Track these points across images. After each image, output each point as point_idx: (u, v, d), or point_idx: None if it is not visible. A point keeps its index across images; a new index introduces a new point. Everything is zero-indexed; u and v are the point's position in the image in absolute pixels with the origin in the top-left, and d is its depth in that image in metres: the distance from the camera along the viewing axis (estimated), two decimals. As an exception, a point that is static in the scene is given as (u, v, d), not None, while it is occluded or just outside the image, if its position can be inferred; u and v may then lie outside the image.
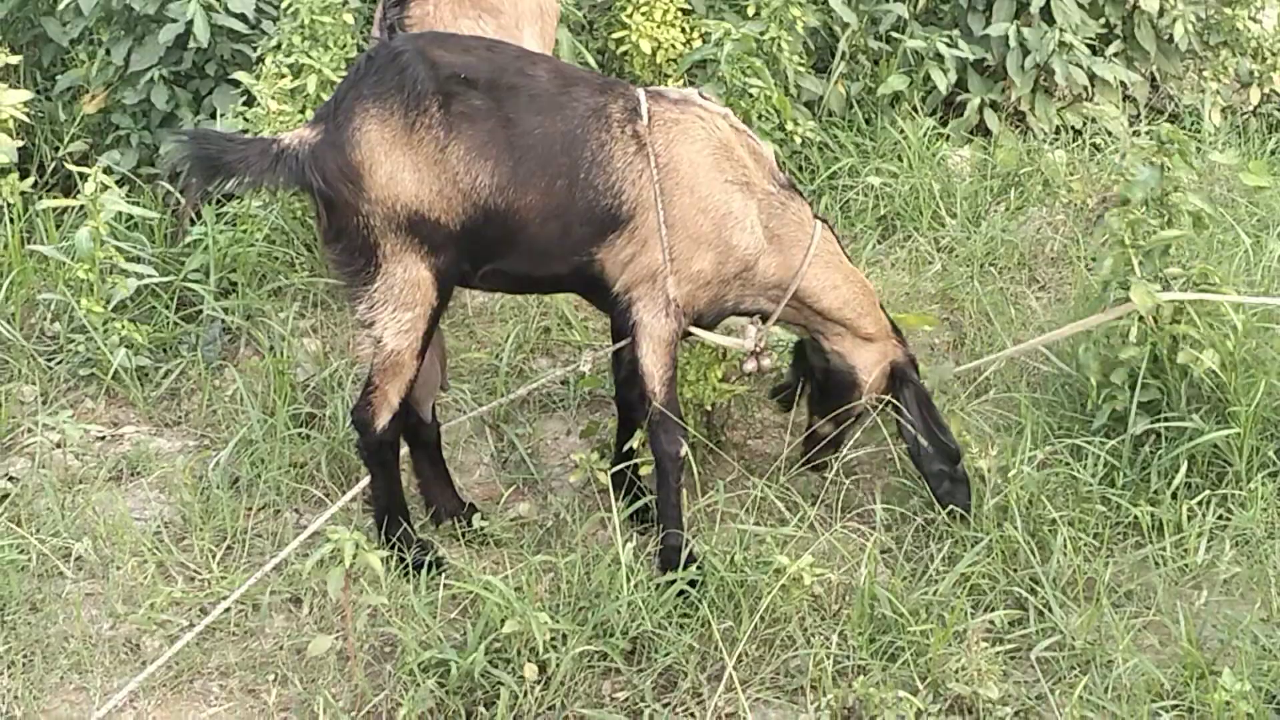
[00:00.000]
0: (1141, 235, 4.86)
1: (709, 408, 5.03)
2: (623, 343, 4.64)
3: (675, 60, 6.61)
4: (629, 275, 4.49)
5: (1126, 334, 4.80)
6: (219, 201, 5.98)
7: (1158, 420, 4.81)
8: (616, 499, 4.63)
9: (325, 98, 6.02)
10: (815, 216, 4.71)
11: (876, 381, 4.74)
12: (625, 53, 6.69)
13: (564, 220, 4.41)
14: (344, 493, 4.89)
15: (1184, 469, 4.66)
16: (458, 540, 4.73)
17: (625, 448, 4.78)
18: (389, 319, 4.39)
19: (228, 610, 4.43)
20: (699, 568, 4.38)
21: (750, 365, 4.77)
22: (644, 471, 4.75)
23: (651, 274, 4.49)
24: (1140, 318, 4.77)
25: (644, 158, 4.43)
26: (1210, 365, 4.71)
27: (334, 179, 4.28)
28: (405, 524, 4.56)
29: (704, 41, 6.47)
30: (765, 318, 4.72)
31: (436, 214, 4.33)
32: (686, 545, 4.50)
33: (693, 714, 4.09)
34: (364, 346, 4.49)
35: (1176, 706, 4.02)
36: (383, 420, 4.49)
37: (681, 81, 6.47)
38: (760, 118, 6.24)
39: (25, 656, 4.26)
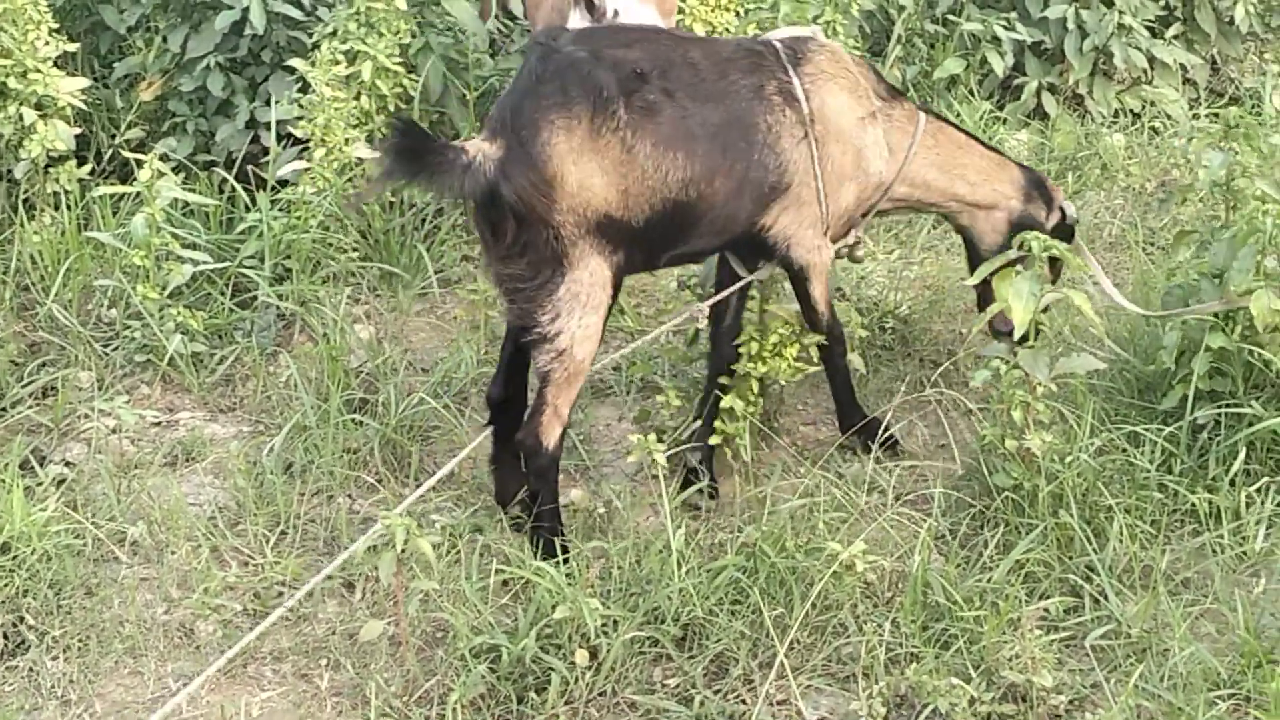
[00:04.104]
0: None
1: (783, 383, 5.01)
2: (731, 290, 4.83)
3: (729, 44, 6.57)
4: (788, 227, 4.65)
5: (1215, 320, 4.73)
6: (273, 188, 6.01)
7: (1219, 406, 4.75)
8: (706, 475, 4.79)
9: (380, 85, 6.06)
10: (919, 108, 4.92)
11: (1002, 242, 4.98)
12: (679, 37, 6.65)
13: (742, 200, 4.53)
14: (397, 479, 4.92)
15: (1243, 455, 4.60)
16: (512, 525, 4.74)
17: (707, 411, 4.91)
18: (576, 325, 4.35)
19: (280, 595, 4.46)
20: (749, 556, 4.36)
21: (844, 253, 5.01)
22: (714, 441, 4.82)
23: (811, 221, 4.66)
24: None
25: (802, 126, 4.57)
26: None
27: (527, 194, 4.23)
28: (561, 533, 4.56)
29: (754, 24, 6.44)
30: (867, 213, 4.93)
31: (622, 212, 4.34)
32: (875, 424, 4.93)
33: (744, 701, 4.08)
34: (542, 363, 4.39)
35: (1233, 695, 3.97)
36: (555, 437, 4.46)
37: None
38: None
39: (80, 641, 4.29)
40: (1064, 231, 5.13)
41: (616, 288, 4.45)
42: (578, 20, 5.47)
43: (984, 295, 4.92)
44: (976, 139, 5.09)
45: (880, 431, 4.95)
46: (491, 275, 4.46)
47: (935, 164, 4.92)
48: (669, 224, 4.43)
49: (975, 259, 5.08)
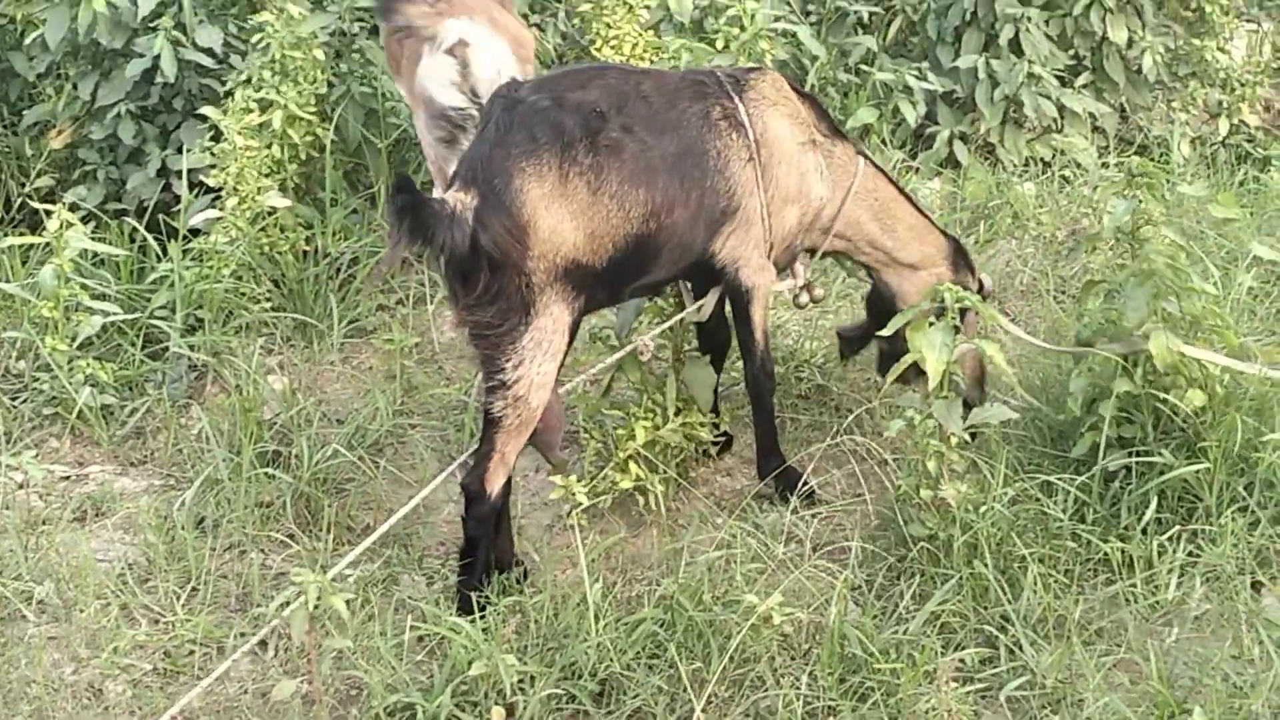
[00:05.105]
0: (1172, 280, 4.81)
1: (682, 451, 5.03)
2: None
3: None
4: (734, 246, 4.73)
5: (1122, 365, 4.77)
6: (185, 237, 5.95)
7: (1129, 453, 4.79)
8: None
9: (291, 133, 6.02)
10: (858, 153, 5.01)
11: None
12: (594, 86, 6.66)
13: (697, 227, 4.63)
14: (309, 534, 4.86)
15: (1154, 504, 4.64)
16: (428, 580, 4.70)
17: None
18: (535, 373, 4.38)
19: (192, 653, 4.40)
20: (667, 609, 4.34)
21: (804, 299, 5.13)
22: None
23: (755, 242, 4.75)
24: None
25: (747, 149, 4.68)
26: (1198, 405, 4.69)
27: (503, 241, 4.26)
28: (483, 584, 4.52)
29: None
30: (812, 253, 5.07)
31: (588, 256, 4.39)
32: (794, 474, 4.96)
33: (661, 756, 4.06)
34: (497, 408, 4.39)
35: (1148, 745, 4.00)
36: (498, 484, 4.47)
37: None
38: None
39: (-14, 702, 4.22)
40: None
41: (573, 334, 4.48)
42: (430, 59, 5.52)
43: (892, 350, 4.95)
44: (908, 197, 5.14)
45: (798, 482, 4.96)
46: (457, 322, 4.46)
47: (870, 209, 5.00)
48: (632, 259, 4.50)
49: (882, 317, 5.02)
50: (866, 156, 5.05)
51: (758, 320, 4.88)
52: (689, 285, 5.00)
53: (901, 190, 5.12)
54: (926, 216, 5.16)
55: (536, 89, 4.49)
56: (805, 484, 4.97)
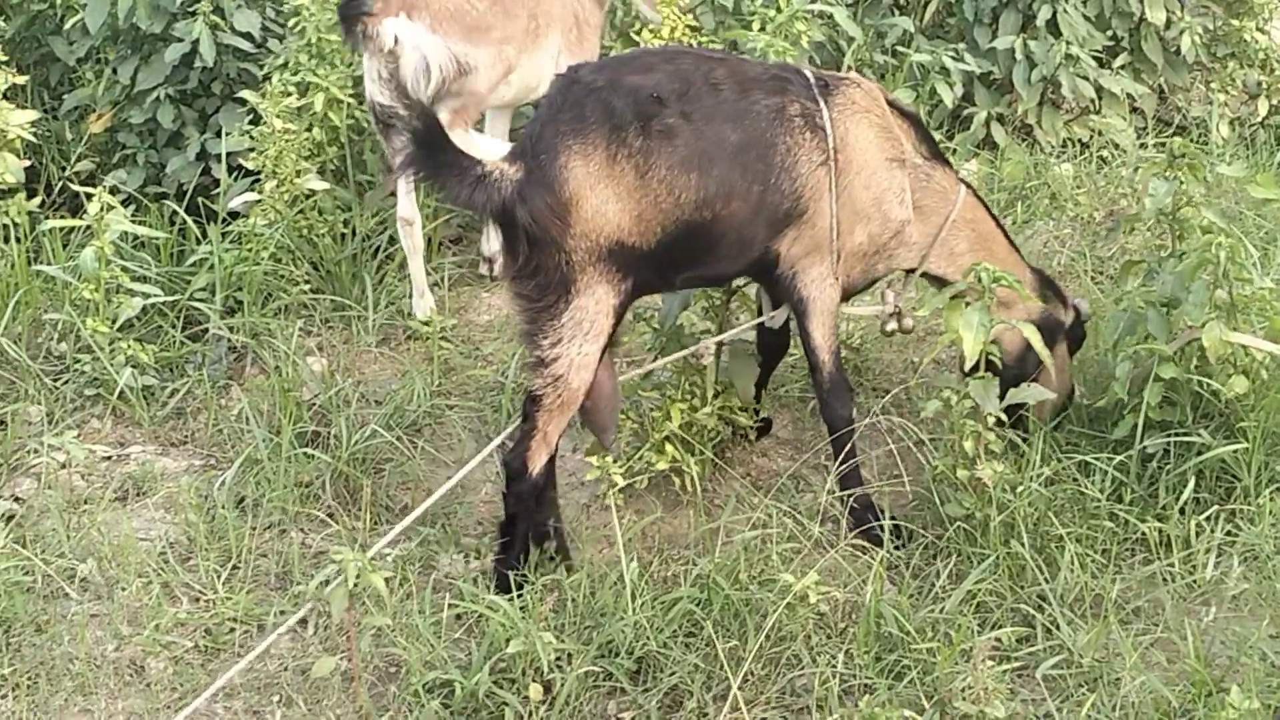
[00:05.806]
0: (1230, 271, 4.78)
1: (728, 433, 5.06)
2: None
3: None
4: (797, 254, 4.62)
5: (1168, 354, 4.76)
6: (224, 220, 5.99)
7: (1168, 435, 4.78)
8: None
9: (332, 116, 6.05)
10: (960, 180, 4.86)
11: (1012, 342, 4.83)
12: (631, 69, 6.66)
13: (757, 223, 4.53)
14: (348, 513, 4.90)
15: (1192, 484, 4.64)
16: (466, 559, 4.73)
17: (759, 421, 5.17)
18: (575, 353, 4.39)
19: (232, 631, 4.44)
20: (703, 588, 4.36)
21: (891, 325, 4.97)
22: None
23: (819, 251, 4.63)
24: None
25: (822, 152, 4.55)
26: (1241, 390, 4.68)
27: (543, 217, 4.28)
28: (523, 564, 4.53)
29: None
30: (911, 271, 4.90)
31: (634, 238, 4.38)
32: (870, 508, 4.73)
33: (698, 734, 4.08)
34: (537, 386, 4.42)
35: (1185, 724, 4.00)
36: (540, 463, 4.48)
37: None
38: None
39: (30, 679, 4.26)
40: (1079, 330, 5.06)
41: (620, 317, 4.47)
42: (368, 55, 5.51)
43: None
44: (1004, 230, 4.99)
45: (871, 520, 4.73)
46: (508, 290, 4.51)
47: (968, 240, 4.85)
48: (683, 246, 4.46)
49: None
50: (968, 185, 4.89)
51: (818, 340, 4.70)
52: (763, 292, 4.93)
53: (999, 223, 4.97)
54: (1017, 250, 5.00)
55: (597, 69, 4.50)
56: (877, 521, 4.74)
